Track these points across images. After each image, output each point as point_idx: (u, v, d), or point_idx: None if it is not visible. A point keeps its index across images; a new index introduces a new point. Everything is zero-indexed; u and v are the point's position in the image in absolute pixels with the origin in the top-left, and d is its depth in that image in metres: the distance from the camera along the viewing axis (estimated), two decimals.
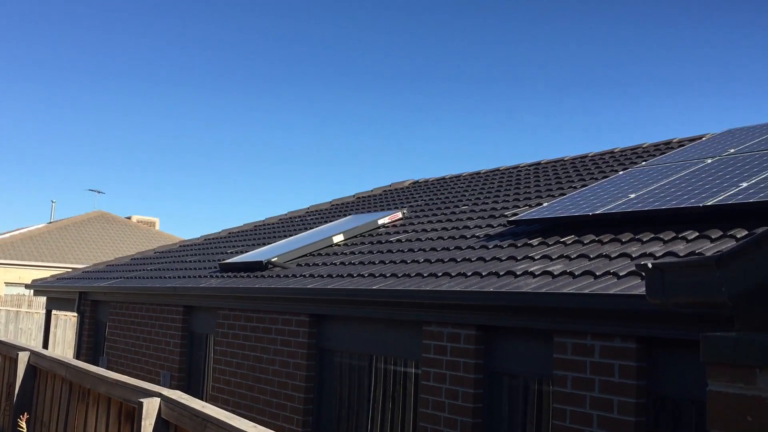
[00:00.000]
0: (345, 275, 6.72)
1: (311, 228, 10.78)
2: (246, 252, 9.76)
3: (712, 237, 4.67)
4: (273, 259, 8.09)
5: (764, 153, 5.96)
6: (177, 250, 13.15)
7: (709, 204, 4.82)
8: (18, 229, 36.56)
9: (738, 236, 4.54)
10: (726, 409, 1.55)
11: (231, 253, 10.38)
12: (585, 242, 5.48)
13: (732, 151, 6.50)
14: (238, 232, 13.21)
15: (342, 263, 7.40)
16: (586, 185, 7.72)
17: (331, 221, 10.97)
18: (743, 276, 1.60)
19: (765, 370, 1.51)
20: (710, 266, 1.64)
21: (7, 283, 28.62)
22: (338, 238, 8.70)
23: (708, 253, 4.35)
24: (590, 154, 9.96)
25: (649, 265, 1.77)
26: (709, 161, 6.33)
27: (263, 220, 13.49)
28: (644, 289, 3.99)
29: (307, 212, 13.19)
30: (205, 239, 13.49)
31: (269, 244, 10.07)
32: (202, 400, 8.50)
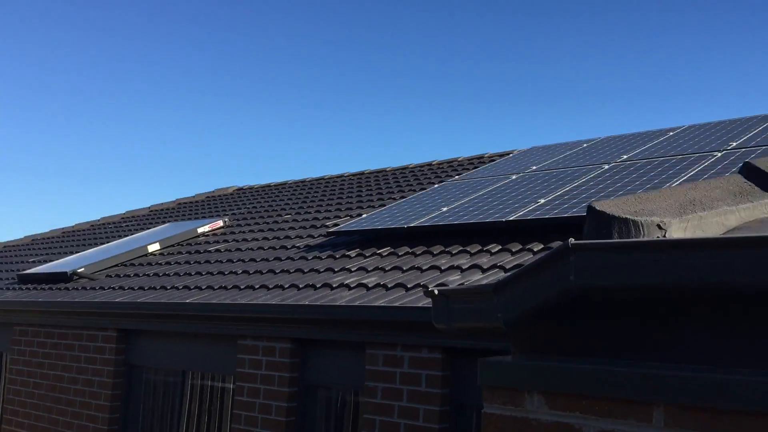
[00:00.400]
0: (158, 287, 6.42)
1: (126, 236, 10.20)
2: (50, 261, 9.03)
3: (513, 250, 4.98)
4: (79, 270, 7.55)
5: (560, 171, 6.47)
6: None
7: (510, 219, 5.13)
8: None
9: (535, 249, 4.87)
10: (498, 430, 1.63)
11: (33, 262, 9.56)
12: (400, 254, 5.63)
13: (534, 168, 6.99)
14: (43, 239, 12.21)
15: (156, 274, 7.06)
16: (405, 197, 7.96)
17: (148, 228, 10.45)
18: (517, 302, 1.70)
19: (532, 393, 1.61)
20: (488, 293, 1.72)
21: None
22: (154, 247, 8.30)
23: (508, 266, 4.64)
24: (410, 166, 10.30)
25: (435, 291, 1.83)
26: (514, 177, 6.77)
27: (72, 226, 12.57)
28: (459, 286, 4.17)
29: (123, 218, 12.48)
30: (3, 247, 12.32)
31: (77, 252, 9.39)
32: None
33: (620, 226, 1.59)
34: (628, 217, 1.58)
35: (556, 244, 4.83)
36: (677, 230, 1.56)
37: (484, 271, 4.72)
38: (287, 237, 7.45)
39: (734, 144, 5.85)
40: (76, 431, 6.55)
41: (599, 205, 1.64)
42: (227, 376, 5.71)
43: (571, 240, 1.60)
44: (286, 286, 5.45)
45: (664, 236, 1.55)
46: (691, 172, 5.27)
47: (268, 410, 5.07)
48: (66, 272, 7.54)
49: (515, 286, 1.69)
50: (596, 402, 1.58)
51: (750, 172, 1.69)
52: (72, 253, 9.53)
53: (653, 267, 1.49)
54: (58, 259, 9.01)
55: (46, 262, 9.14)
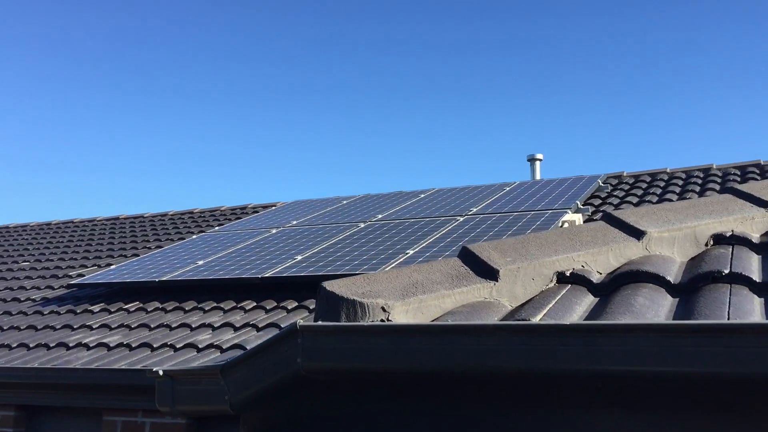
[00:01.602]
0: None
1: None
2: None
3: (267, 308, 4.95)
4: None
5: (319, 227, 6.61)
6: None
7: (266, 275, 5.11)
8: None
9: (289, 307, 4.88)
10: None
11: None
12: (149, 310, 5.32)
13: (294, 223, 7.07)
14: None
15: None
16: (162, 246, 7.61)
17: None
18: (245, 384, 1.65)
19: None
20: (216, 375, 1.65)
21: None
22: None
23: (261, 324, 4.58)
24: (170, 213, 9.91)
25: (160, 372, 1.72)
26: (274, 231, 6.78)
27: None
28: (198, 362, 4.00)
29: None
30: None
31: None
32: None
33: (348, 308, 1.62)
34: (355, 299, 1.62)
35: (309, 302, 4.89)
36: (400, 312, 1.64)
37: (236, 329, 4.62)
38: (22, 288, 6.71)
39: (474, 210, 6.42)
40: None
41: (329, 286, 1.67)
42: None
43: (300, 321, 1.60)
44: (14, 345, 4.88)
45: (388, 318, 1.61)
46: (437, 234, 5.66)
47: None
48: None
49: (243, 368, 1.65)
50: None
51: (466, 256, 1.83)
52: None
53: (374, 350, 1.54)
54: None
55: None
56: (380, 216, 6.76)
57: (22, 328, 5.33)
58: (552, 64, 25.61)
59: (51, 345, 4.77)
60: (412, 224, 6.17)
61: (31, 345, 4.82)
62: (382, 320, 1.61)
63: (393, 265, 4.88)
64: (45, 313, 5.66)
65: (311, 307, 4.80)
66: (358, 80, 26.71)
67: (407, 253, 5.14)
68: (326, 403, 1.73)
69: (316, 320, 1.69)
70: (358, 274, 4.04)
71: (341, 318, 1.64)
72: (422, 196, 7.68)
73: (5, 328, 5.39)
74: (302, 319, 4.52)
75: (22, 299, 6.26)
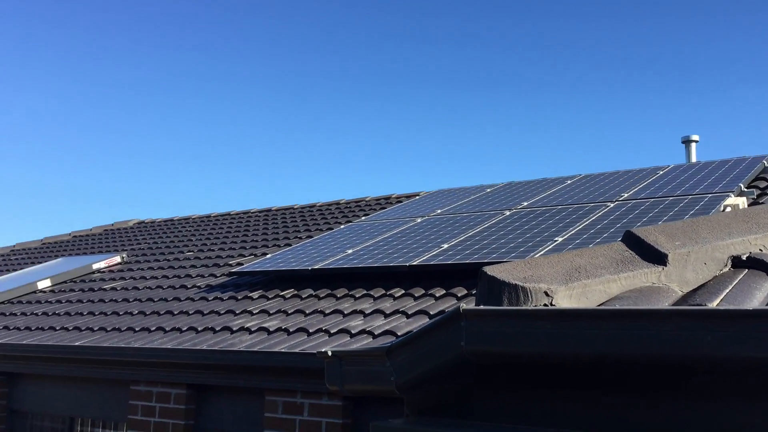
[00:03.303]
0: (46, 328, 6.08)
1: (15, 270, 9.65)
2: None
3: (416, 295, 5.03)
4: None
5: (464, 216, 6.62)
6: None
7: (414, 264, 5.18)
8: None
9: (437, 295, 4.93)
10: None
11: None
12: (303, 297, 5.57)
13: (439, 211, 7.12)
14: None
15: (45, 313, 6.69)
16: (312, 236, 7.92)
17: (39, 263, 9.92)
18: (409, 366, 1.70)
19: None
20: (381, 356, 1.71)
21: None
22: (44, 284, 7.88)
23: (410, 312, 4.67)
24: (318, 204, 10.28)
25: (329, 353, 1.81)
26: (419, 220, 6.86)
27: None
28: (354, 347, 4.14)
29: (12, 251, 11.81)
30: None
31: None
32: None
33: (510, 292, 1.63)
34: (517, 283, 1.62)
35: (457, 290, 4.91)
36: (563, 297, 1.61)
37: (386, 316, 4.73)
38: (188, 276, 7.24)
39: (625, 195, 6.16)
40: None
41: (490, 270, 1.68)
42: (118, 423, 5.44)
43: (463, 305, 1.62)
44: (184, 328, 5.28)
45: (551, 303, 1.60)
46: (586, 221, 5.49)
47: None
48: None
49: (408, 350, 1.69)
50: None
51: (631, 240, 1.77)
52: None
53: (538, 335, 1.53)
54: None
55: None
56: (525, 203, 6.66)
57: (190, 312, 5.76)
58: (705, 39, 23.99)
59: (216, 329, 5.11)
60: (559, 211, 6.02)
61: (199, 328, 5.19)
62: (545, 305, 1.60)
63: (541, 252, 4.80)
64: (210, 299, 6.07)
65: (459, 295, 4.82)
66: (500, 68, 26.37)
67: (556, 241, 5.03)
68: (485, 387, 1.74)
69: (477, 304, 1.70)
70: (506, 262, 4.01)
71: (503, 302, 1.64)
72: (569, 182, 7.47)
73: (175, 312, 5.84)
74: (455, 305, 4.55)
75: (189, 286, 6.75)
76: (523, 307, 1.54)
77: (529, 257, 4.57)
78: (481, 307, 1.61)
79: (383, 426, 1.67)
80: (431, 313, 4.58)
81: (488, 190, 7.97)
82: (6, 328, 6.35)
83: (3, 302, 7.52)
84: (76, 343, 5.32)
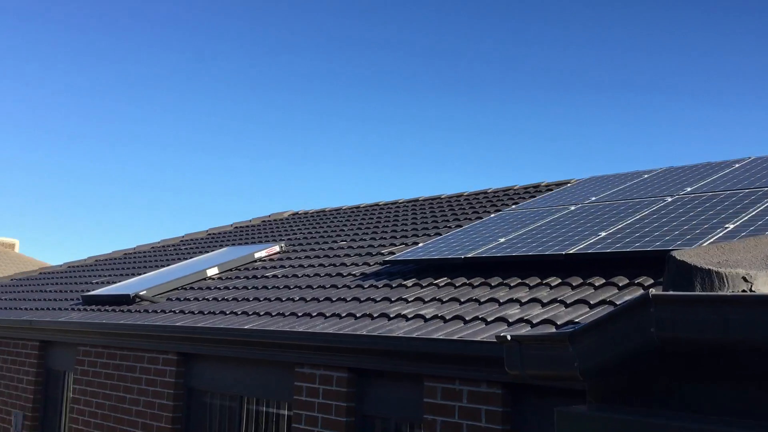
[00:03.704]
0: (217, 312, 6.53)
1: (185, 258, 10.43)
2: (113, 283, 9.29)
3: (573, 284, 4.91)
4: (141, 293, 7.74)
5: (621, 203, 6.37)
6: (36, 278, 12.32)
7: (570, 252, 5.07)
8: None
9: (596, 284, 4.80)
10: None
11: (96, 283, 9.84)
12: (457, 285, 5.61)
13: (593, 199, 6.90)
14: (106, 260, 12.56)
15: (215, 299, 7.19)
16: (461, 225, 7.94)
17: (206, 252, 10.66)
18: (594, 352, 1.68)
19: None
20: (564, 341, 1.70)
21: None
22: (212, 272, 8.46)
23: (569, 301, 4.57)
24: (465, 193, 10.28)
25: (508, 337, 1.82)
26: (573, 208, 6.69)
27: (133, 248, 12.91)
28: (533, 333, 4.12)
29: (182, 241, 12.76)
30: (69, 267, 12.73)
31: (139, 274, 9.63)
32: None
33: (703, 278, 1.56)
34: (711, 268, 1.55)
35: (617, 279, 4.75)
36: (764, 283, 1.53)
37: (543, 305, 4.67)
38: (343, 264, 7.50)
39: None
40: None
41: (680, 255, 1.62)
42: (283, 402, 5.75)
43: (652, 291, 1.58)
44: (344, 314, 5.48)
45: (751, 290, 1.52)
46: (760, 206, 5.12)
47: None
48: (128, 295, 7.74)
49: (592, 336, 1.67)
50: None
51: None
52: (134, 275, 9.78)
53: (738, 321, 1.46)
54: (120, 281, 9.26)
55: (109, 283, 9.40)
56: (689, 189, 6.30)
57: (347, 299, 5.96)
58: None
59: (374, 315, 5.26)
60: (728, 197, 5.65)
61: (357, 315, 5.37)
62: (743, 291, 1.52)
63: (710, 240, 4.53)
64: (365, 287, 6.26)
65: (620, 284, 4.66)
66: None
67: (726, 227, 4.73)
68: (674, 375, 1.69)
69: (665, 290, 1.65)
70: (671, 250, 3.82)
71: (695, 288, 1.58)
72: (737, 166, 6.99)
73: (334, 299, 6.07)
74: (616, 294, 4.41)
75: (344, 275, 6.99)
76: (722, 293, 1.48)
77: (697, 245, 4.33)
78: (672, 292, 1.55)
79: (568, 412, 1.66)
80: (591, 302, 4.46)
81: (646, 176, 7.61)
82: (182, 312, 6.89)
83: (177, 288, 8.15)
84: (245, 327, 5.67)
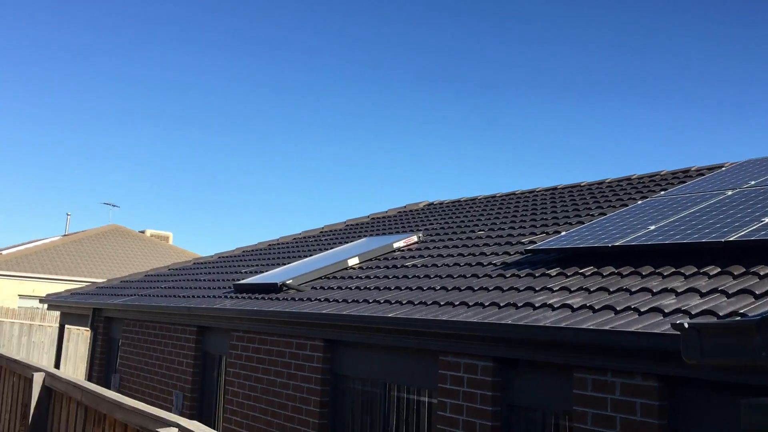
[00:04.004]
0: (360, 300, 6.70)
1: (325, 249, 10.78)
2: (260, 272, 9.76)
3: (735, 273, 4.62)
4: (288, 282, 8.08)
5: None
6: (191, 268, 13.18)
7: (731, 239, 4.77)
8: (33, 242, 36.85)
9: (761, 273, 4.48)
10: None
11: (245, 273, 10.39)
12: (604, 274, 5.43)
13: (752, 183, 6.44)
14: (252, 250, 13.22)
15: (357, 288, 7.38)
16: (604, 213, 7.68)
17: (345, 242, 10.96)
18: None
19: None
20: (750, 329, 1.61)
21: (21, 296, 28.77)
22: (353, 261, 8.68)
23: (731, 290, 4.30)
24: (607, 180, 9.92)
25: (686, 325, 1.74)
26: (729, 193, 6.28)
27: (277, 239, 13.50)
28: (666, 327, 3.94)
29: (321, 232, 13.19)
30: (219, 257, 13.51)
31: (283, 264, 10.07)
32: (215, 421, 8.45)
33: None
34: None
35: None
36: None
37: (702, 295, 4.42)
38: (482, 254, 7.46)
39: None
40: None
41: None
42: (428, 390, 5.82)
43: None
44: (487, 303, 5.46)
45: None
46: None
47: (472, 428, 5.09)
48: (276, 283, 8.11)
49: None
50: None
51: None
52: (278, 264, 10.23)
53: None
54: (266, 271, 9.72)
55: (257, 272, 9.90)
56: None
57: (489, 289, 5.93)
58: None
59: (519, 304, 5.20)
60: None
61: (501, 304, 5.33)
62: None
63: None
64: (507, 276, 6.20)
65: None
66: None
67: None
68: None
69: None
70: None
71: None
72: None
73: (475, 288, 6.06)
74: None
75: (484, 264, 6.96)
76: None
77: None
78: None
79: (758, 403, 1.56)
80: (756, 292, 4.18)
81: None
82: (326, 300, 7.13)
83: (320, 277, 8.45)
84: (389, 315, 5.79)
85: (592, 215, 7.79)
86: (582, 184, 10.27)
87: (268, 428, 7.30)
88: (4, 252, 32.28)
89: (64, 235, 37.39)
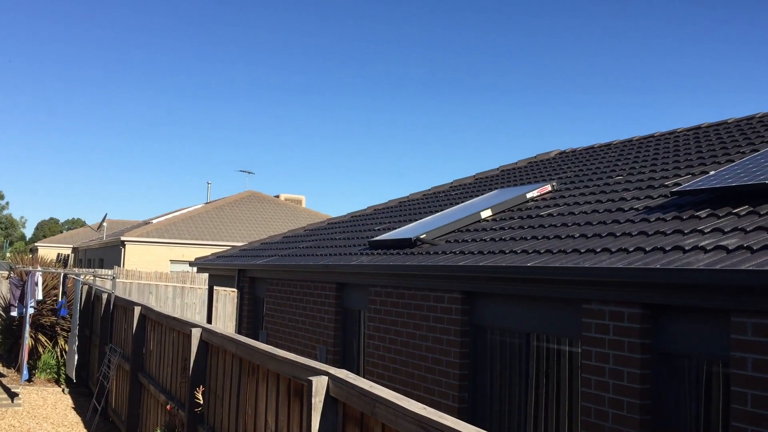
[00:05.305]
0: (496, 252, 6.63)
1: (456, 203, 10.73)
2: (393, 229, 9.89)
3: None
4: (421, 236, 8.13)
5: None
6: (325, 228, 13.58)
7: None
8: (179, 210, 39.40)
9: None
10: None
11: (379, 230, 10.56)
12: (761, 213, 5.05)
13: None
14: (383, 208, 13.41)
15: (492, 239, 7.31)
16: (757, 150, 7.12)
17: (475, 196, 10.86)
18: None
19: None
20: None
21: (172, 261, 30.93)
22: (486, 213, 8.59)
23: None
24: (758, 115, 9.18)
25: None
26: None
27: (407, 196, 13.60)
28: None
29: (451, 187, 13.15)
30: (352, 216, 13.81)
31: (415, 220, 10.13)
32: (357, 373, 8.75)
33: None
34: None
35: None
36: None
37: None
38: (622, 199, 7.15)
39: None
40: (430, 385, 7.13)
41: None
42: (571, 339, 5.70)
43: None
44: (631, 249, 5.23)
45: None
46: None
47: (620, 376, 4.95)
48: (410, 238, 8.18)
49: None
50: None
51: None
52: (410, 220, 10.32)
53: None
54: (399, 227, 9.83)
55: (389, 229, 10.03)
56: None
57: (633, 234, 5.68)
58: None
59: (666, 248, 4.94)
60: None
61: (647, 249, 5.09)
62: None
63: None
64: (651, 220, 5.90)
65: None
66: None
67: None
68: None
69: None
70: None
71: None
72: None
73: (618, 234, 5.82)
74: None
75: (625, 209, 6.66)
76: None
77: None
78: None
79: None
80: None
81: None
82: (462, 252, 7.11)
83: (454, 231, 8.43)
84: (528, 264, 5.68)
85: (743, 152, 7.24)
86: (729, 121, 9.56)
87: (409, 380, 7.45)
88: (154, 221, 34.77)
89: (206, 203, 39.65)
